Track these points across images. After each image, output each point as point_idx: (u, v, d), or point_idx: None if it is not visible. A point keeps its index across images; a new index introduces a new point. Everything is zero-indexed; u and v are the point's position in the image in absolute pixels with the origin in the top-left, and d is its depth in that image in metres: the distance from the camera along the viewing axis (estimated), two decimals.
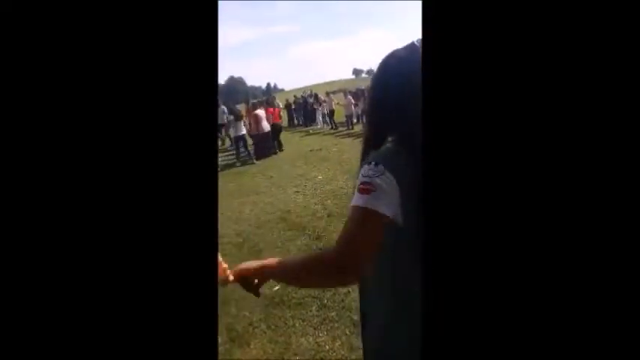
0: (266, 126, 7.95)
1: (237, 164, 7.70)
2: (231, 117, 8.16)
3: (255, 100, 10.33)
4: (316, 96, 14.05)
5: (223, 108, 10.13)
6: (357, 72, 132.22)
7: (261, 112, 8.08)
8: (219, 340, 1.93)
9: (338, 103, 12.43)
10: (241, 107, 10.49)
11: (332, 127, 11.69)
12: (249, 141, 8.00)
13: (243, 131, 7.73)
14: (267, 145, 8.01)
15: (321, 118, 13.03)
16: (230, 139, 9.50)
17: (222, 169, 6.94)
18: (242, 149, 7.83)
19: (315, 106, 13.38)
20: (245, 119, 8.01)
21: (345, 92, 12.77)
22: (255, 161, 7.43)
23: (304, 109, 14.29)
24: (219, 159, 7.98)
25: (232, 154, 8.43)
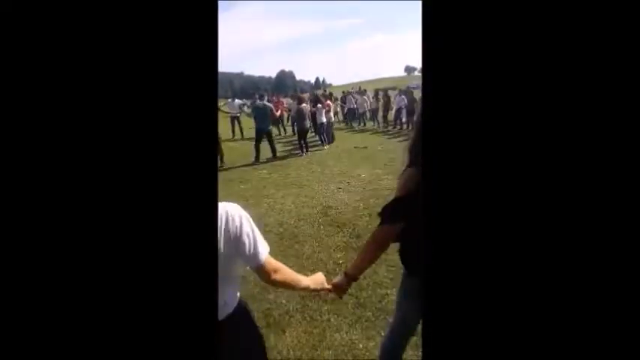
0: (331, 116, 9.29)
1: (323, 147, 8.29)
2: (319, 105, 8.99)
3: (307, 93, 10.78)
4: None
5: (237, 101, 11.14)
6: (409, 69, 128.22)
7: (329, 103, 9.30)
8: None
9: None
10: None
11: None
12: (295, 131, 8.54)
13: (324, 119, 8.55)
14: (327, 134, 8.80)
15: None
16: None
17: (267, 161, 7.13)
18: (323, 136, 8.59)
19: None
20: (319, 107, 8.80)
21: (377, 91, 12.48)
22: (325, 146, 8.33)
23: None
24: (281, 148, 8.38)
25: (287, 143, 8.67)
